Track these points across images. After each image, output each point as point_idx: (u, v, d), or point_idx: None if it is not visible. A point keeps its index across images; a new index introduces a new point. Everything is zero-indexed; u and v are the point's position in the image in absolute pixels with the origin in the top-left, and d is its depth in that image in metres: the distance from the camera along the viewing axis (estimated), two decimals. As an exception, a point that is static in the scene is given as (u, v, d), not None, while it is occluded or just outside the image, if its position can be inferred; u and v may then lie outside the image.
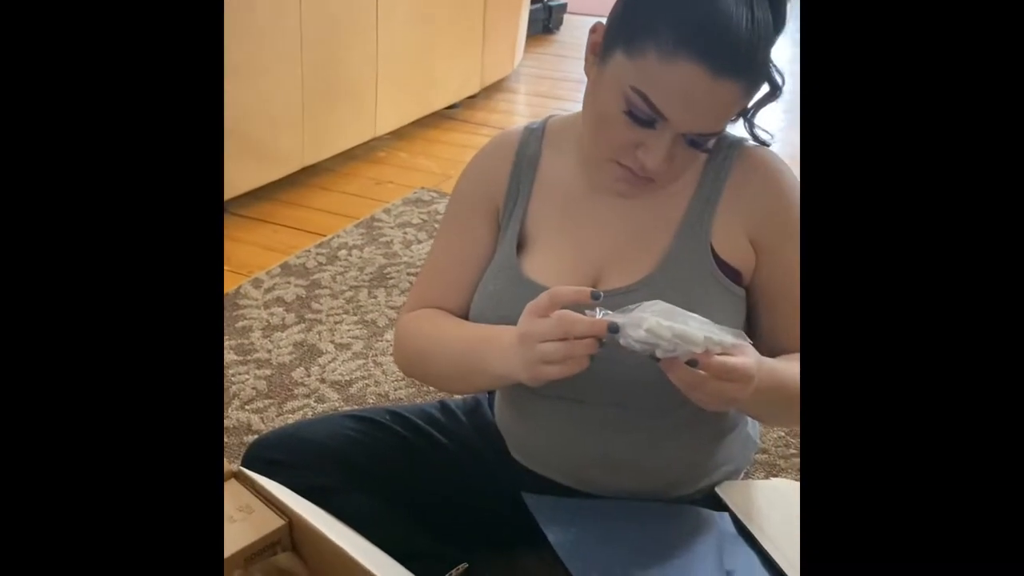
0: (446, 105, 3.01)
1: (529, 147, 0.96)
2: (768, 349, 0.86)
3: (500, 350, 0.82)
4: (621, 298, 0.86)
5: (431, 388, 1.54)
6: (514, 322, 0.84)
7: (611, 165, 0.85)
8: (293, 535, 0.90)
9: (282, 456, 0.99)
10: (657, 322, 0.72)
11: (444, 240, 1.01)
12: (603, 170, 0.86)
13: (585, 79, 0.87)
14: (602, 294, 0.77)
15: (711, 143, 0.84)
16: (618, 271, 0.90)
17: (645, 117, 0.79)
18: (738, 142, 0.91)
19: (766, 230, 0.89)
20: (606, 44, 0.83)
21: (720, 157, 0.90)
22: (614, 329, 0.73)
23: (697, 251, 0.88)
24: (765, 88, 0.86)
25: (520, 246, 0.94)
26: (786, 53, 3.56)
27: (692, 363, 0.72)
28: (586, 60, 0.86)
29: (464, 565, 0.76)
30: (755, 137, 0.92)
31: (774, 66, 0.85)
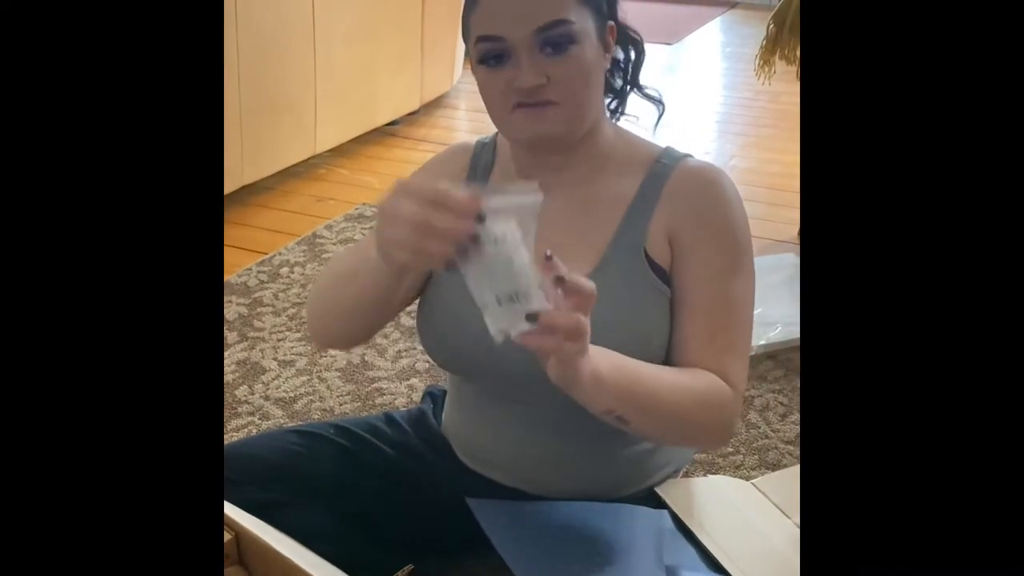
0: (386, 122, 3.02)
1: (481, 159, 1.00)
2: (674, 359, 0.89)
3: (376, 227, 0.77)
4: None
5: (377, 402, 1.54)
6: (466, 325, 0.86)
7: (512, 115, 0.88)
8: (240, 549, 0.90)
9: (226, 473, 0.98)
10: (511, 235, 0.68)
11: None
12: (510, 125, 0.90)
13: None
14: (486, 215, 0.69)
15: (567, 37, 0.85)
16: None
17: (494, 51, 0.85)
18: (684, 156, 0.95)
19: (686, 230, 0.91)
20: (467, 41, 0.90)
21: (662, 167, 0.94)
22: (480, 217, 0.68)
23: (631, 256, 0.91)
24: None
25: None
26: (720, 67, 3.58)
27: (533, 318, 0.68)
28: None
29: (410, 567, 0.77)
30: (646, 96, 0.99)
31: (629, 31, 0.94)
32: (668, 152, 0.96)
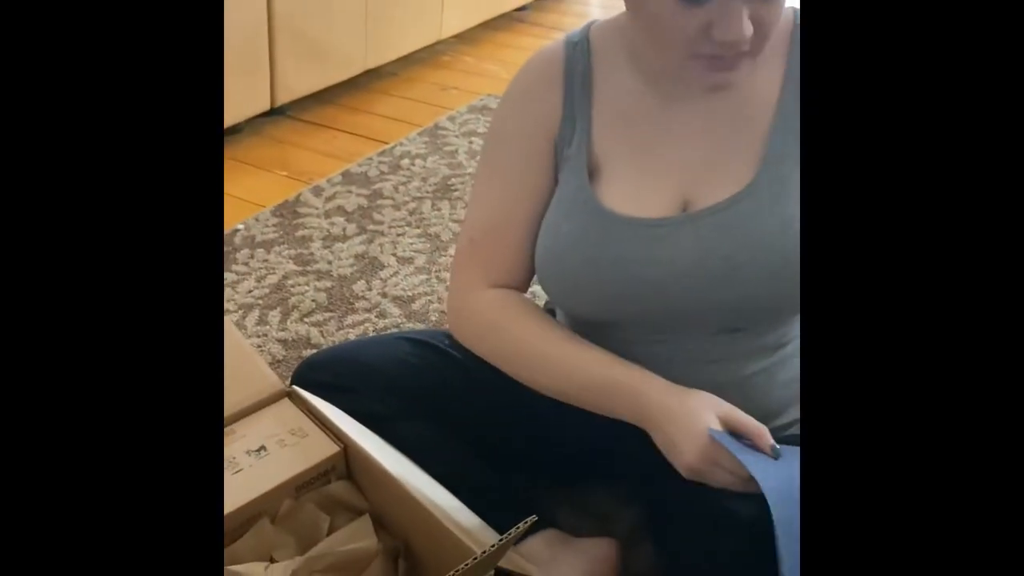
0: (515, 7, 2.86)
1: (577, 64, 0.84)
2: None
3: (627, 402, 0.79)
4: (722, 215, 0.77)
5: (495, 306, 1.47)
6: (601, 264, 0.77)
7: (692, 63, 0.73)
8: (348, 463, 0.85)
9: (335, 379, 0.93)
10: None
11: (498, 190, 0.87)
12: (687, 73, 0.75)
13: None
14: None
15: None
16: (712, 185, 0.79)
17: None
18: None
19: None
20: None
21: None
22: None
23: (792, 168, 0.77)
24: None
25: (589, 177, 0.83)
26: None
27: None
28: None
29: (532, 518, 0.69)
30: None
31: None
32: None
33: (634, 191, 0.80)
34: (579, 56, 0.84)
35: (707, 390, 0.83)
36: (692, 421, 0.74)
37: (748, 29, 0.69)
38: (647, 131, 0.82)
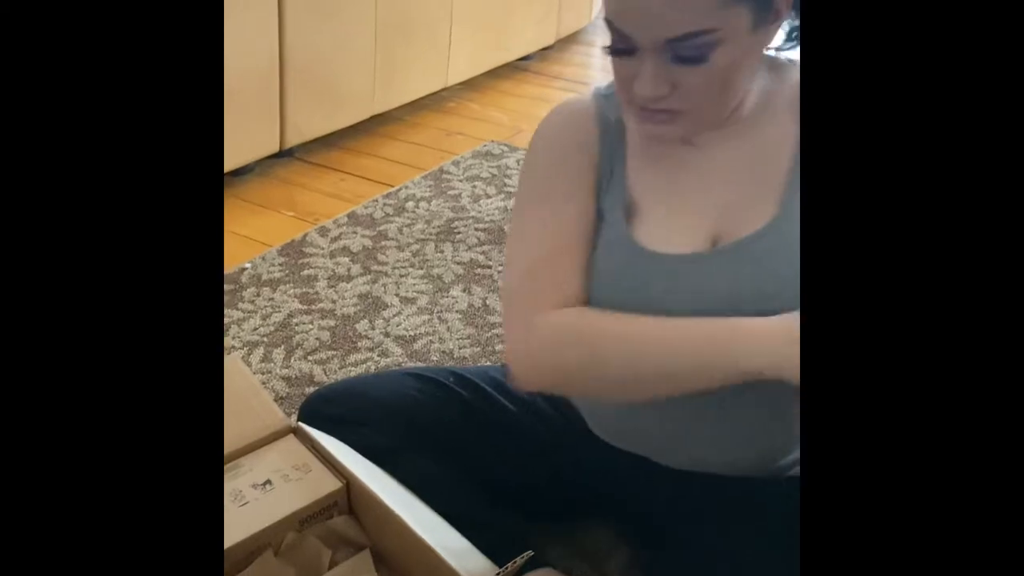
0: (519, 56, 2.93)
1: (610, 112, 0.88)
2: None
3: (758, 339, 0.74)
4: (749, 249, 0.79)
5: (497, 348, 1.49)
6: (637, 299, 0.78)
7: (631, 110, 0.78)
8: (351, 498, 0.87)
9: (341, 412, 0.95)
10: None
11: (550, 220, 0.86)
12: (631, 119, 0.80)
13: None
14: None
15: (701, 51, 0.72)
16: (738, 220, 0.81)
17: (621, 45, 0.74)
18: None
19: None
20: None
21: None
22: None
23: None
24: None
25: (626, 218, 0.85)
26: None
27: None
28: None
29: (529, 553, 0.71)
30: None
31: None
32: None
33: (667, 230, 0.83)
34: (610, 106, 0.88)
35: (739, 430, 0.85)
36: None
37: (660, 89, 0.73)
38: (676, 173, 0.85)
